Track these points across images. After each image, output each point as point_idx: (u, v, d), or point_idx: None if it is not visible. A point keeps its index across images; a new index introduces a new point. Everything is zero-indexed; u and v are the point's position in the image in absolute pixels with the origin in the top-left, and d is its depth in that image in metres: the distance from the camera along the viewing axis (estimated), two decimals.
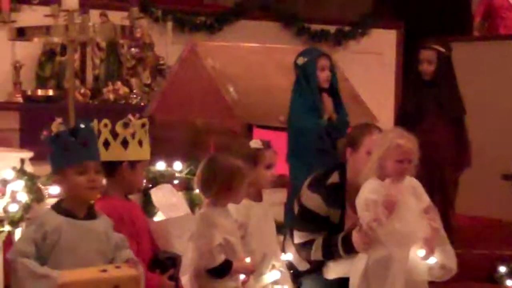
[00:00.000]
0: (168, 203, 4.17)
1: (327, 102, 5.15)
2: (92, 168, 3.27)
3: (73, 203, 3.26)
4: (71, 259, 3.14)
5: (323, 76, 5.15)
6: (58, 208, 3.26)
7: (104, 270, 3.16)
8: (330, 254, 4.12)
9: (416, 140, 3.95)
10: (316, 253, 4.17)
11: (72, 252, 3.16)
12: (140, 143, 3.80)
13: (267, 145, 4.09)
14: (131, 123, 3.80)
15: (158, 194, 4.20)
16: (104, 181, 3.56)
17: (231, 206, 3.78)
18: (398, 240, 3.83)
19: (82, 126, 3.29)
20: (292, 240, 4.35)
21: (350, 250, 3.99)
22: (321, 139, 5.05)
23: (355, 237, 3.94)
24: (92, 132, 3.37)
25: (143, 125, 3.82)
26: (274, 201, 4.37)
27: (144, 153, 3.83)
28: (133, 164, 3.79)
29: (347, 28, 8.82)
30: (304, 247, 4.22)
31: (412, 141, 3.94)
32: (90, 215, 3.29)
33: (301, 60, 5.21)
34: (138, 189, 3.97)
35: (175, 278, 3.74)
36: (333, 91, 5.22)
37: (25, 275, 3.05)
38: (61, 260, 3.12)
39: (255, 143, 4.05)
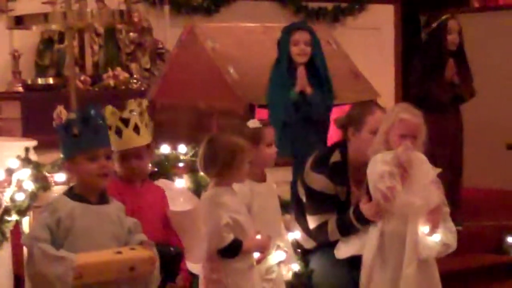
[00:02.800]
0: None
1: (301, 75, 5.07)
2: (103, 154, 3.25)
3: (84, 189, 3.24)
4: (86, 243, 3.13)
5: (295, 50, 5.09)
6: (70, 194, 3.24)
7: (119, 252, 3.16)
8: (347, 230, 4.12)
9: (422, 116, 3.94)
10: (334, 234, 4.18)
11: (87, 237, 3.15)
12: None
13: (265, 123, 4.08)
14: None
15: None
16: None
17: (235, 187, 3.77)
18: (412, 211, 3.82)
19: (93, 112, 3.27)
20: (299, 222, 4.36)
21: (365, 220, 4.00)
22: (287, 113, 5.01)
23: (364, 208, 3.96)
24: (102, 119, 3.33)
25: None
26: (279, 180, 4.35)
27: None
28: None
29: (344, 5, 8.78)
30: (319, 231, 4.23)
31: (417, 117, 3.93)
32: (103, 199, 3.27)
33: (279, 36, 5.19)
34: (130, 176, 3.73)
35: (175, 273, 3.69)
36: (314, 65, 5.15)
37: (42, 259, 3.04)
38: (76, 245, 3.11)
39: (253, 123, 4.03)
